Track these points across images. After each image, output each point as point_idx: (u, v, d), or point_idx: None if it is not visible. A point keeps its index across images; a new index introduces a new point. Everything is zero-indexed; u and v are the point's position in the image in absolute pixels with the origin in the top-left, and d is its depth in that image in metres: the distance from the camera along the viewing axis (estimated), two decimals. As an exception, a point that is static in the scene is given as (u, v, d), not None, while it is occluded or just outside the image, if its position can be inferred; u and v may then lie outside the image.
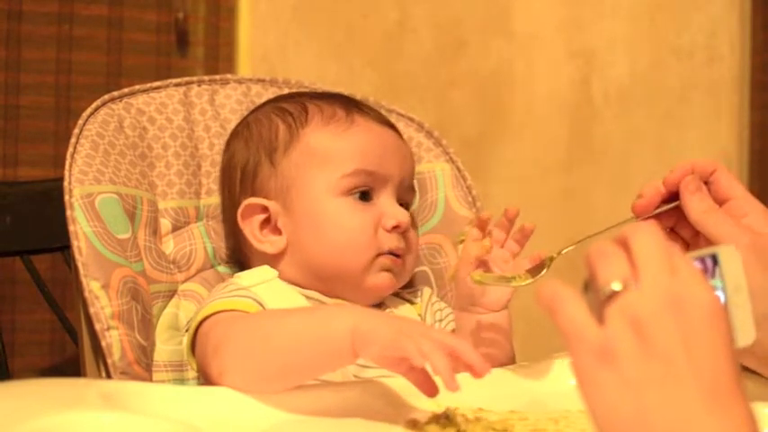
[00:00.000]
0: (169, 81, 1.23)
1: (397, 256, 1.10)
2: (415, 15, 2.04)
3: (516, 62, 2.10)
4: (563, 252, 1.00)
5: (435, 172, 1.24)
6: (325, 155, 1.10)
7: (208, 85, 1.24)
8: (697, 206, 0.97)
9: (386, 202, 1.11)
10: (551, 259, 1.01)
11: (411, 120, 1.27)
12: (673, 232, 1.00)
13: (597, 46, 2.11)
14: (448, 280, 1.18)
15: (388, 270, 1.10)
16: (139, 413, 0.82)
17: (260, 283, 1.07)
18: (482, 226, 1.05)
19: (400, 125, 1.26)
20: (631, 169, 2.11)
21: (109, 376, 1.02)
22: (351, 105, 1.15)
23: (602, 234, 0.95)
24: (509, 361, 1.07)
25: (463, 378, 0.99)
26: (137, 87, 1.20)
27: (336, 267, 1.09)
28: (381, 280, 1.10)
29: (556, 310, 0.66)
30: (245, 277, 1.09)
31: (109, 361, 1.02)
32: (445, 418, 0.88)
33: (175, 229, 1.18)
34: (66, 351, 1.78)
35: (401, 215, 1.10)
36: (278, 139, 1.13)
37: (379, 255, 1.09)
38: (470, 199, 1.23)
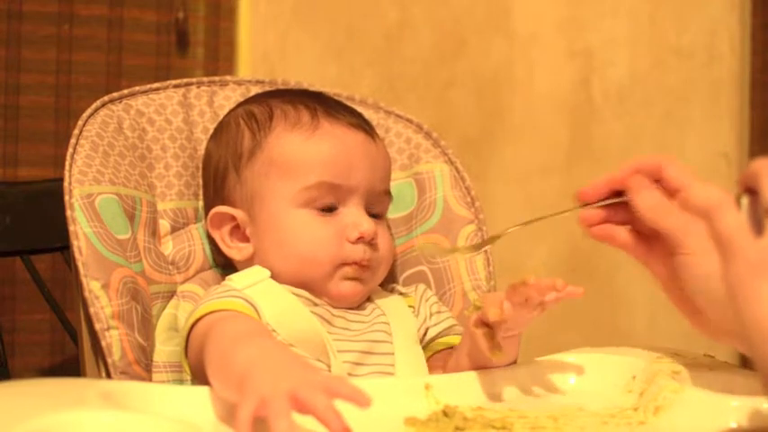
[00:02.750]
0: (168, 82, 1.23)
1: (364, 265, 1.09)
2: (415, 15, 2.04)
3: (516, 62, 2.10)
4: (507, 232, 1.04)
5: (434, 172, 1.24)
6: (287, 165, 1.09)
7: (207, 87, 1.25)
8: (644, 203, 0.97)
9: (351, 212, 1.09)
10: (494, 237, 1.05)
11: (410, 121, 1.27)
12: (632, 230, 1.00)
13: (597, 46, 2.11)
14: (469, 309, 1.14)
15: (352, 278, 1.09)
16: (139, 413, 0.82)
17: (252, 284, 1.07)
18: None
19: (399, 126, 1.27)
20: (631, 169, 2.11)
21: (109, 376, 1.02)
22: (318, 108, 1.12)
23: (549, 219, 1.00)
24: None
25: (463, 377, 1.00)
26: (136, 88, 1.20)
27: (298, 277, 1.08)
28: (346, 289, 1.09)
29: (713, 217, 0.66)
30: (237, 279, 1.09)
31: (109, 361, 1.02)
32: (444, 416, 0.88)
33: (174, 230, 1.18)
34: (66, 351, 1.78)
35: (365, 226, 1.08)
36: (242, 147, 1.12)
37: (343, 265, 1.08)
38: (469, 199, 1.23)
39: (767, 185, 0.66)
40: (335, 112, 1.13)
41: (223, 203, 1.13)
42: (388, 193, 1.15)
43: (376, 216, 1.12)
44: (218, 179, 1.14)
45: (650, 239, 0.99)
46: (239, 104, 1.18)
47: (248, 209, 1.11)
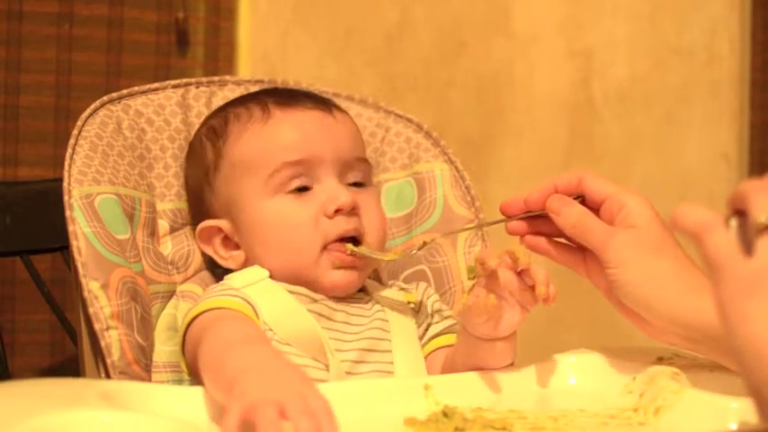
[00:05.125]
0: (167, 82, 1.23)
1: (353, 241, 1.07)
2: (415, 15, 2.04)
3: (516, 62, 2.09)
4: (436, 239, 1.15)
5: (434, 172, 1.24)
6: (247, 162, 1.09)
7: (206, 87, 1.24)
8: (565, 222, 0.99)
9: (325, 187, 1.08)
10: (425, 243, 1.12)
11: (410, 120, 1.27)
12: (567, 244, 1.02)
13: (597, 46, 2.11)
14: (462, 304, 1.12)
15: (341, 267, 1.07)
16: (138, 413, 0.82)
17: (251, 284, 1.07)
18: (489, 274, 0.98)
19: (399, 126, 1.26)
20: (631, 169, 2.11)
21: (108, 376, 1.02)
22: (269, 101, 1.12)
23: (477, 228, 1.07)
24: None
25: (463, 378, 1.00)
26: (135, 89, 1.20)
27: (288, 269, 1.07)
28: (338, 278, 1.08)
29: (702, 238, 0.67)
30: (236, 278, 1.08)
31: (108, 361, 1.02)
32: (444, 417, 0.88)
33: (173, 230, 1.18)
34: (66, 351, 1.78)
35: (343, 197, 1.07)
36: (208, 161, 1.13)
37: (325, 246, 1.07)
38: (469, 198, 1.23)
39: (755, 206, 0.66)
40: (288, 100, 1.13)
41: (207, 219, 1.13)
42: (363, 161, 1.14)
43: (358, 185, 1.12)
44: (197, 198, 1.15)
45: (585, 251, 1.01)
46: (202, 123, 1.19)
47: (229, 216, 1.11)
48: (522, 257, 0.96)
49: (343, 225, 1.07)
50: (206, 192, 1.13)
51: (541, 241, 1.02)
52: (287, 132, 1.09)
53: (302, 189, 1.08)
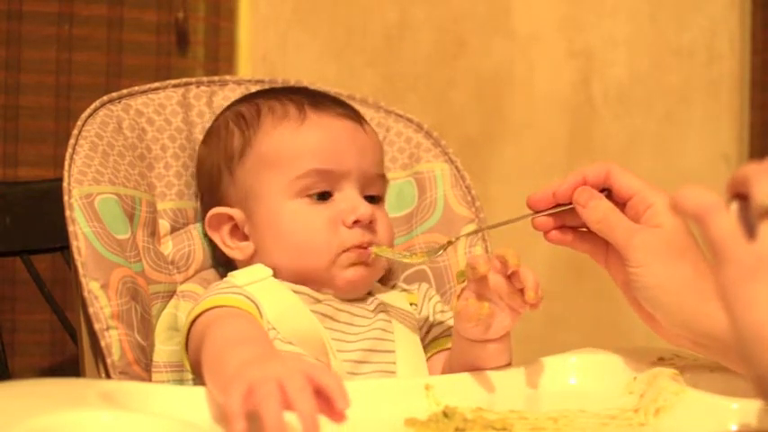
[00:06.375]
0: (167, 82, 1.23)
1: (365, 248, 1.08)
2: (415, 15, 2.04)
3: (516, 62, 2.09)
4: (459, 237, 1.16)
5: (434, 172, 1.24)
6: (276, 158, 1.10)
7: (206, 87, 1.24)
8: (590, 217, 0.98)
9: (346, 196, 1.09)
10: (449, 243, 1.11)
11: (410, 120, 1.27)
12: (591, 234, 1.01)
13: (597, 46, 2.11)
14: (452, 307, 1.12)
15: (356, 264, 1.08)
16: (139, 413, 0.82)
17: (253, 282, 1.07)
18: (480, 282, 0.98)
19: (399, 125, 1.27)
20: (631, 169, 2.10)
21: (108, 376, 1.02)
22: (305, 101, 1.13)
23: (502, 226, 1.04)
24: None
25: (463, 378, 1.00)
26: (135, 88, 1.20)
27: (300, 269, 1.08)
28: (352, 274, 1.08)
29: (705, 221, 0.66)
30: (239, 276, 1.09)
31: (108, 361, 1.02)
32: (444, 417, 0.88)
33: (174, 230, 1.18)
34: (66, 351, 1.78)
35: (363, 209, 1.08)
36: (233, 147, 1.13)
37: (343, 252, 1.08)
38: (470, 198, 1.23)
39: (758, 189, 0.65)
40: (321, 103, 1.14)
41: (219, 205, 1.13)
42: (382, 177, 1.15)
43: (373, 200, 1.12)
44: (212, 182, 1.15)
45: (608, 244, 0.99)
46: (227, 107, 1.19)
47: (244, 207, 1.11)
48: (512, 260, 0.96)
49: (360, 237, 1.08)
50: (224, 178, 1.13)
51: (566, 236, 1.02)
52: (323, 138, 1.10)
53: (323, 196, 1.09)
